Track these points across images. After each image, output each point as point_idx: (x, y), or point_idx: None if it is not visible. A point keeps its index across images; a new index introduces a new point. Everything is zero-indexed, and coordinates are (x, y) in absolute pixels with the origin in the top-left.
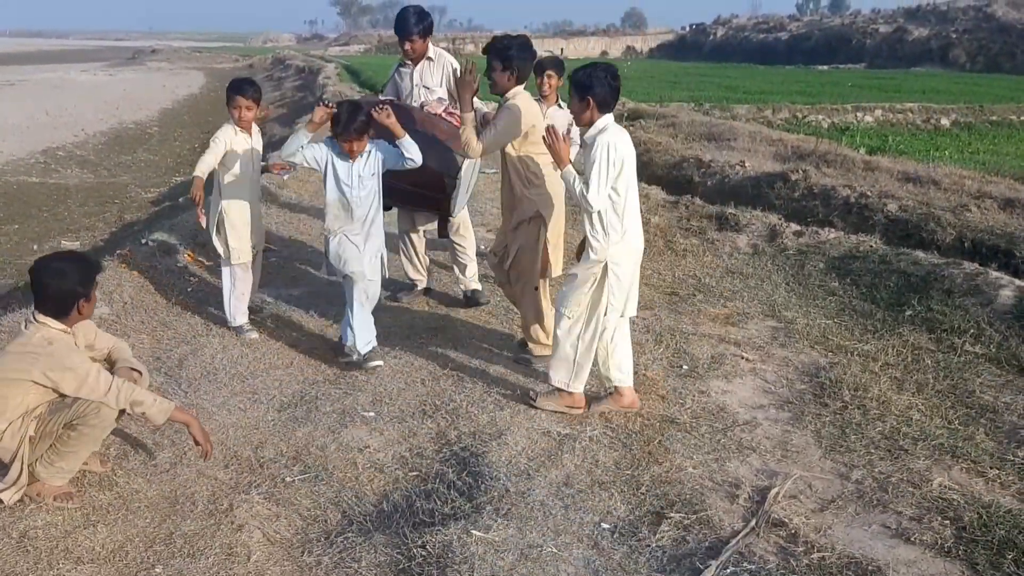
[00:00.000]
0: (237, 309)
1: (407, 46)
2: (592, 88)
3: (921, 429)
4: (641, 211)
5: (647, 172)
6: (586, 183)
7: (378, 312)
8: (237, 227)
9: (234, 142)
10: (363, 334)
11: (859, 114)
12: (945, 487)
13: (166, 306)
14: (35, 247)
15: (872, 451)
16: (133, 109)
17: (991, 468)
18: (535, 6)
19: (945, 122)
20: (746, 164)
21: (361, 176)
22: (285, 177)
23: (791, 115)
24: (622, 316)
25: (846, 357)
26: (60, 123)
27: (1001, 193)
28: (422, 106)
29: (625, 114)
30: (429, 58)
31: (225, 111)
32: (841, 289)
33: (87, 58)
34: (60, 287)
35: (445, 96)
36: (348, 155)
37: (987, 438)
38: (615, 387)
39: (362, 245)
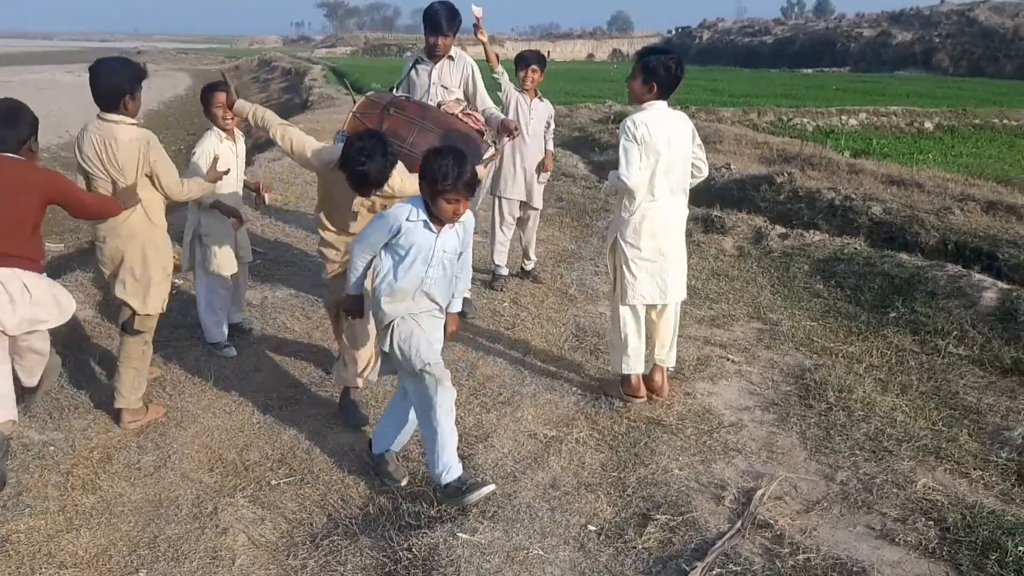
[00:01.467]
0: (213, 323)
1: (439, 43)
2: (659, 74)
3: (905, 430)
4: None
5: None
6: (618, 163)
7: None
8: (220, 239)
9: (219, 150)
10: (449, 456)
11: (844, 117)
12: (929, 488)
13: None
14: None
15: (857, 452)
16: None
17: (974, 469)
18: (522, 9)
19: (929, 125)
20: (732, 167)
21: (446, 251)
22: (266, 201)
23: (776, 118)
24: (664, 304)
25: (831, 359)
26: (45, 125)
27: (984, 196)
28: (439, 105)
29: (612, 116)
30: (450, 57)
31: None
32: (826, 291)
33: (72, 59)
34: (110, 82)
35: (462, 97)
36: (440, 222)
37: (971, 439)
38: (653, 368)
39: (429, 325)
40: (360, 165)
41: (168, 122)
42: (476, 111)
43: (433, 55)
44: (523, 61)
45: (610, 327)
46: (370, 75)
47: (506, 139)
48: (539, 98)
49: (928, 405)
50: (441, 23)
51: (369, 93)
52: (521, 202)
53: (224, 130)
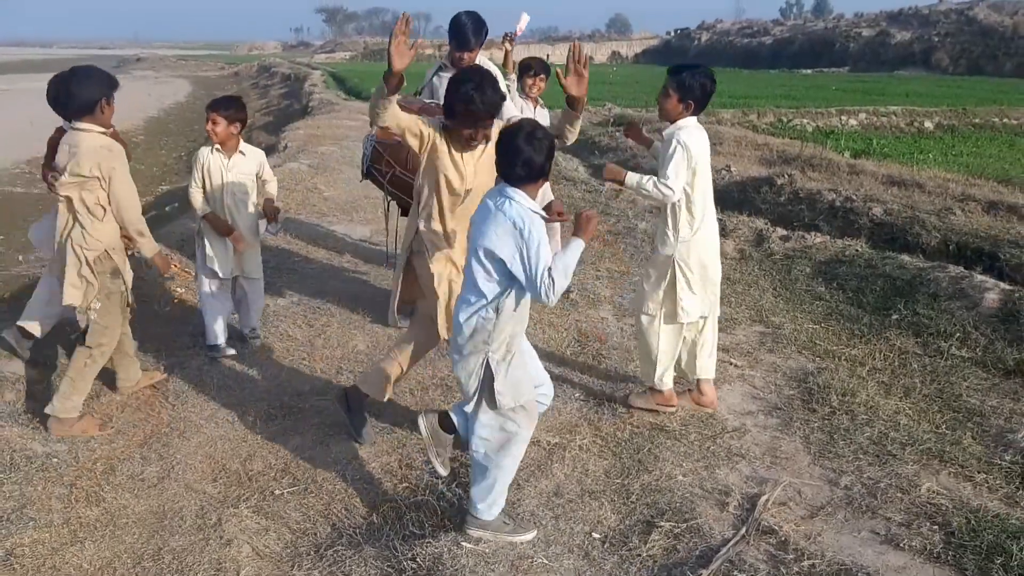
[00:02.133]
0: (211, 325)
1: (464, 57)
2: (694, 91)
3: (909, 434)
4: (627, 216)
5: None
6: (664, 174)
7: (361, 325)
8: (213, 238)
9: (209, 161)
10: (500, 493)
11: (843, 118)
12: (933, 492)
13: (152, 317)
14: (20, 258)
15: (861, 456)
16: (118, 118)
17: (979, 472)
18: (520, 12)
19: (929, 125)
20: (732, 169)
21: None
22: (273, 233)
23: (776, 119)
24: (704, 317)
25: (834, 362)
26: (45, 133)
27: (984, 196)
28: None
29: (612, 119)
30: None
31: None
32: (828, 293)
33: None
34: (84, 89)
35: None
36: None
37: (974, 442)
38: (697, 382)
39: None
40: (473, 91)
41: (168, 129)
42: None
43: (457, 65)
44: (528, 69)
45: (643, 341)
46: (370, 80)
47: (533, 113)
48: (540, 105)
49: (931, 408)
50: (468, 38)
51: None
52: None
53: (219, 145)
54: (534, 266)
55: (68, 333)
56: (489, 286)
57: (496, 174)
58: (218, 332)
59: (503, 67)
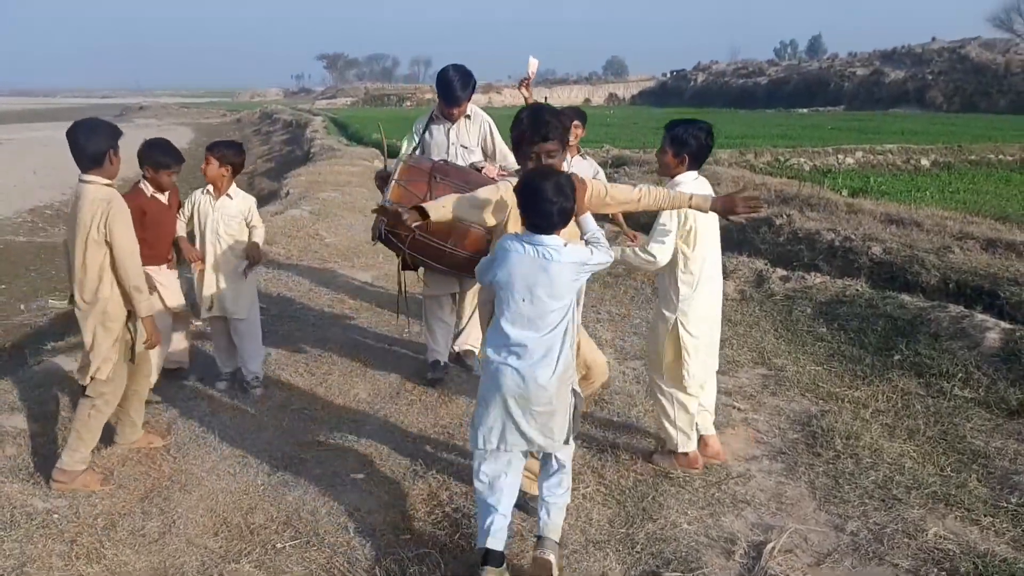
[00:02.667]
0: (217, 357)
1: (453, 112)
2: (691, 146)
3: (914, 477)
4: None
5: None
6: (650, 238)
7: (362, 373)
8: (200, 282)
9: (199, 201)
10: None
11: (840, 156)
12: (940, 537)
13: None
14: (22, 307)
15: (866, 501)
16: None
17: (985, 516)
18: (520, 57)
19: (925, 162)
20: None
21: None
22: (243, 273)
23: (773, 158)
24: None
25: (837, 404)
26: (48, 182)
27: (983, 234)
28: (479, 169)
29: (609, 160)
30: (467, 115)
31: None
32: (829, 334)
33: (75, 116)
34: (90, 142)
35: (481, 156)
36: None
37: (980, 485)
38: (701, 438)
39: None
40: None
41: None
42: (507, 171)
43: (448, 118)
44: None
45: (659, 406)
46: (370, 125)
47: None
48: (581, 155)
49: (936, 450)
50: (456, 94)
51: (401, 157)
52: None
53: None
54: (597, 261)
55: (73, 384)
56: (564, 323)
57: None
58: (222, 363)
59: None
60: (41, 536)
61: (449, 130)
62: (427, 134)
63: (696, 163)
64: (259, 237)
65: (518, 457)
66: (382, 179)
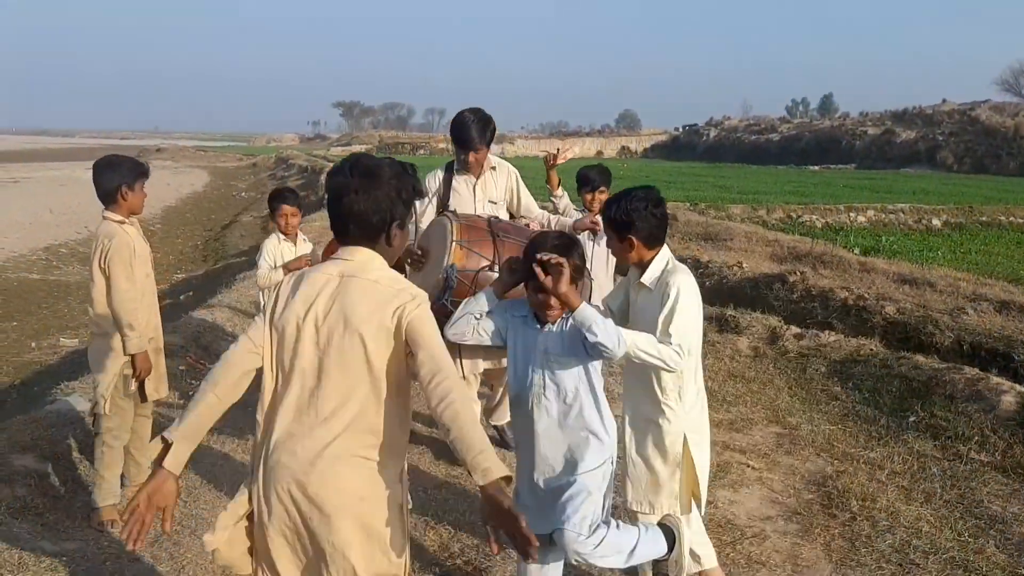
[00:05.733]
0: None
1: (471, 158)
2: (633, 225)
3: (931, 541)
4: None
5: None
6: (669, 334)
7: None
8: None
9: (281, 250)
10: None
11: (852, 214)
12: None
13: (166, 409)
14: (33, 344)
15: (883, 565)
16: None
17: None
18: (532, 108)
19: (936, 223)
20: (744, 265)
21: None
22: None
23: (785, 215)
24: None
25: (852, 465)
26: (63, 220)
27: (996, 295)
28: (527, 225)
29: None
30: (492, 167)
31: (226, 206)
32: (844, 394)
33: (92, 156)
34: (104, 177)
35: (506, 212)
36: (541, 309)
37: (997, 551)
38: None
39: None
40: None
41: (186, 218)
42: (536, 221)
43: (471, 171)
44: (588, 183)
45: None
46: None
47: (593, 243)
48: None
49: (953, 515)
50: (472, 138)
51: (451, 215)
52: None
53: (285, 234)
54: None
55: (85, 425)
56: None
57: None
58: None
59: (548, 183)
60: None
61: (475, 185)
62: (451, 190)
63: (653, 241)
64: None
65: None
66: (414, 255)
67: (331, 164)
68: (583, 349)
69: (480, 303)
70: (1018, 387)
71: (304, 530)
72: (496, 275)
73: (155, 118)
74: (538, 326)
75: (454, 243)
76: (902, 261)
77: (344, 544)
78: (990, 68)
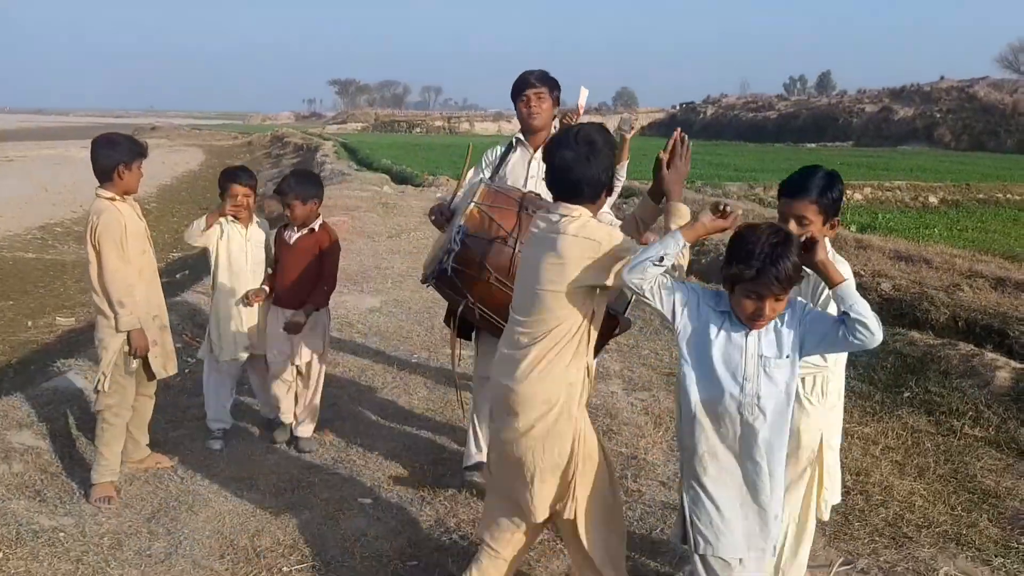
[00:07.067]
0: (211, 409)
1: (529, 94)
2: (834, 202)
3: (924, 515)
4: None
5: None
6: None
7: (370, 397)
8: (222, 322)
9: (229, 232)
10: None
11: (849, 192)
12: None
13: (162, 388)
14: (29, 323)
15: (876, 539)
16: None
17: (996, 556)
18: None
19: (933, 200)
20: None
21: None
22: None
23: None
24: None
25: (847, 440)
26: (59, 199)
27: (992, 272)
28: None
29: (620, 192)
30: None
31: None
32: None
33: (87, 135)
34: (102, 154)
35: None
36: (750, 320)
37: (991, 524)
38: None
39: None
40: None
41: (181, 197)
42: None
43: (529, 127)
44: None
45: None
46: (379, 151)
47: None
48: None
49: (946, 489)
50: (528, 77)
51: (483, 180)
52: None
53: (236, 218)
54: None
55: (82, 402)
56: None
57: None
58: (214, 416)
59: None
60: (47, 554)
61: (531, 161)
62: (504, 163)
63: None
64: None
65: None
66: (440, 214)
67: (327, 142)
68: (819, 342)
69: (667, 248)
70: (1013, 363)
71: None
72: (510, 250)
73: (150, 97)
74: (743, 328)
75: (472, 204)
76: (898, 238)
77: None
78: (989, 45)
